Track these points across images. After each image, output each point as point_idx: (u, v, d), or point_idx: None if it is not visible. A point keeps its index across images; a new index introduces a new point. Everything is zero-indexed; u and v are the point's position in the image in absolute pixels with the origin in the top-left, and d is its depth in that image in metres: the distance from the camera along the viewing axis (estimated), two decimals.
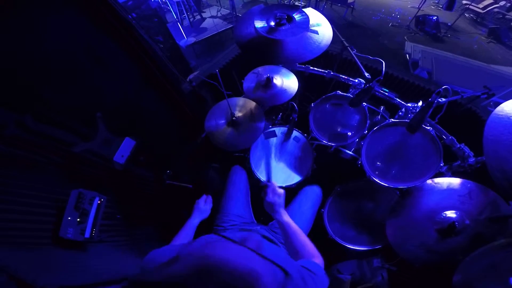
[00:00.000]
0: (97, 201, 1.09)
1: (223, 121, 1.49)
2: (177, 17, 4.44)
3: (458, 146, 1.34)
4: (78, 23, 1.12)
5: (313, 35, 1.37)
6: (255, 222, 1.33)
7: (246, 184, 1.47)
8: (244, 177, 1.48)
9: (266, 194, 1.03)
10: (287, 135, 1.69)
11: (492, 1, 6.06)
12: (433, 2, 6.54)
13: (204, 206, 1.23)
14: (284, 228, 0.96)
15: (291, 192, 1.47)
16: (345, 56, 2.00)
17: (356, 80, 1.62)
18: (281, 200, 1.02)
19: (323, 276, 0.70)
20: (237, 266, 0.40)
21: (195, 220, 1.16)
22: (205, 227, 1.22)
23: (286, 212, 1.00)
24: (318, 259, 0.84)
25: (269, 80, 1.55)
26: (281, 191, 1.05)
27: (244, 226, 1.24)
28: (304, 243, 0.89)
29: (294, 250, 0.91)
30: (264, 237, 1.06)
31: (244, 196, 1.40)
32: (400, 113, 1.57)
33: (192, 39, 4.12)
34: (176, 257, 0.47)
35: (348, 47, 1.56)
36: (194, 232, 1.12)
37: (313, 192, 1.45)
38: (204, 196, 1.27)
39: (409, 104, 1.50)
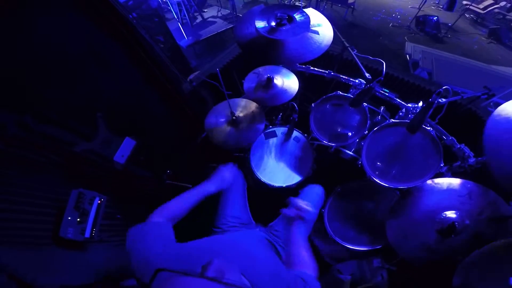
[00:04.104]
0: (97, 201, 1.10)
1: (223, 121, 1.49)
2: (177, 17, 4.44)
3: (458, 146, 1.34)
4: (78, 23, 1.13)
5: (313, 35, 1.37)
6: (254, 223, 1.32)
7: (243, 185, 1.44)
8: (241, 178, 1.47)
9: (288, 208, 1.00)
10: (287, 135, 1.69)
11: (492, 1, 6.05)
12: (433, 3, 6.52)
13: (228, 174, 1.12)
14: (289, 236, 0.94)
15: (291, 192, 1.47)
16: (345, 57, 2.00)
17: (357, 81, 1.62)
18: (305, 216, 0.97)
19: (314, 285, 0.73)
20: None
21: (211, 188, 1.04)
22: (205, 228, 1.22)
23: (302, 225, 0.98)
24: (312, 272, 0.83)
25: (270, 80, 1.55)
26: (309, 208, 0.98)
27: (242, 227, 1.24)
28: (303, 260, 0.86)
29: (290, 260, 0.88)
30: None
31: (241, 197, 1.37)
32: (401, 114, 1.57)
33: (192, 39, 4.12)
34: None
35: (349, 48, 1.56)
36: (200, 201, 1.00)
37: (315, 193, 1.43)
38: (231, 163, 1.17)
39: (409, 105, 1.50)
